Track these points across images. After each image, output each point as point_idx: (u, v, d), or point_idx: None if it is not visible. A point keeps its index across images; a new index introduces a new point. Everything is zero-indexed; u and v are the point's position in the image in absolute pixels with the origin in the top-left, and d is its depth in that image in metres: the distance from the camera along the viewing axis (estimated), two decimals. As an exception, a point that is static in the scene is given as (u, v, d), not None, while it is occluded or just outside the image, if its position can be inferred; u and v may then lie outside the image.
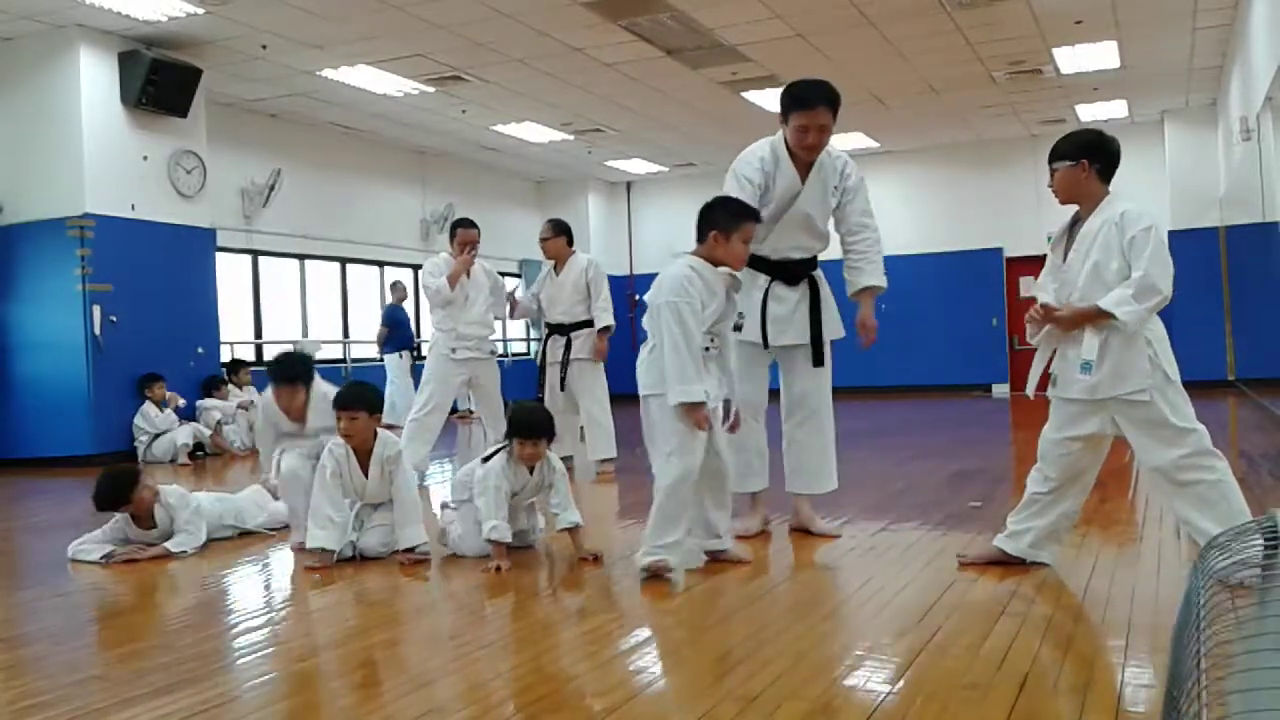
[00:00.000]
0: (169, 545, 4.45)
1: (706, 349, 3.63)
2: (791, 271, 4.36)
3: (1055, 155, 3.44)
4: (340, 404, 4.23)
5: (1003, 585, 3.39)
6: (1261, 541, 1.45)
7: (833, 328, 4.45)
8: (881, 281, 4.43)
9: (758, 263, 4.30)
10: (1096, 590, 3.31)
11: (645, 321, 3.68)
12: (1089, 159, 3.36)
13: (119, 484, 4.48)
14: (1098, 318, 3.27)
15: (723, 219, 3.70)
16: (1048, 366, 3.52)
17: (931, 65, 10.78)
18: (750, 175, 4.23)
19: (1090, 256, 3.33)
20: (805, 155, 4.24)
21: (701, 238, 3.71)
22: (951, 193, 15.15)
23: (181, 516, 4.54)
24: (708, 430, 3.63)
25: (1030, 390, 3.59)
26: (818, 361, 4.38)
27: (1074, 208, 3.49)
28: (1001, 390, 14.78)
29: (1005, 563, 3.58)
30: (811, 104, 4.15)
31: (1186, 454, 3.24)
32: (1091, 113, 13.13)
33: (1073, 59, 10.75)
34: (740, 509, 4.36)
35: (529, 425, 4.08)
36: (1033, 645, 2.72)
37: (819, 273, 4.47)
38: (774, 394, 4.49)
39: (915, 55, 10.39)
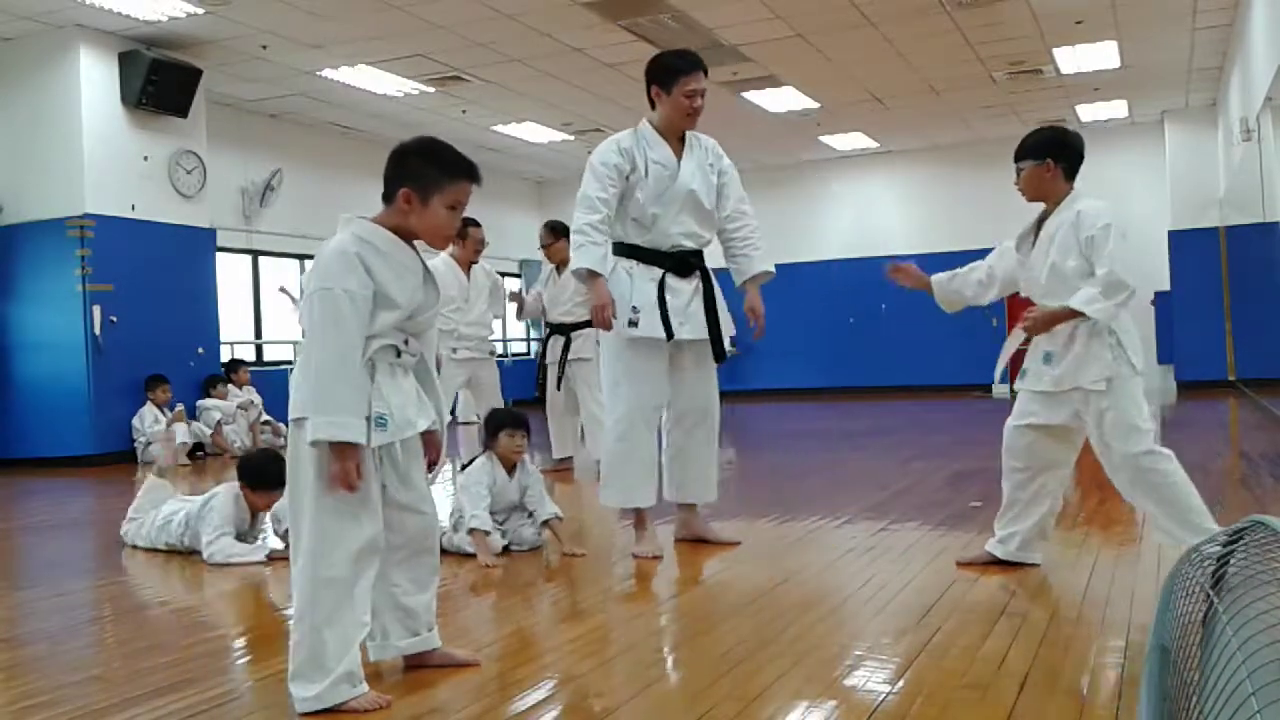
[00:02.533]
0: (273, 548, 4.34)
1: (399, 353, 2.52)
2: (685, 263, 4.11)
3: (1020, 154, 3.45)
4: None
5: (1002, 585, 3.39)
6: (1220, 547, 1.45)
7: (727, 323, 4.20)
8: (771, 267, 4.21)
9: (648, 254, 4.08)
10: (1096, 590, 3.31)
11: (300, 319, 2.66)
12: (1053, 158, 3.39)
13: (272, 471, 4.25)
14: (1069, 317, 3.29)
15: (421, 172, 2.53)
16: (1018, 360, 3.56)
17: (931, 65, 10.79)
18: (607, 160, 3.99)
19: (1049, 256, 3.38)
20: (688, 123, 4.07)
21: (389, 197, 2.55)
22: (951, 193, 15.14)
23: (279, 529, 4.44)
24: (375, 478, 2.47)
25: (996, 379, 3.64)
26: (719, 358, 4.15)
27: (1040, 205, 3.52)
28: (1001, 390, 14.76)
29: (1000, 563, 3.59)
30: (696, 65, 4.03)
31: (1145, 450, 3.28)
32: (1092, 113, 13.14)
33: (1073, 59, 10.75)
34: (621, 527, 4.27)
35: (511, 418, 4.27)
36: (1033, 645, 2.72)
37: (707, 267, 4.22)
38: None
39: (915, 55, 10.39)
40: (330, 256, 2.43)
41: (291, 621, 2.48)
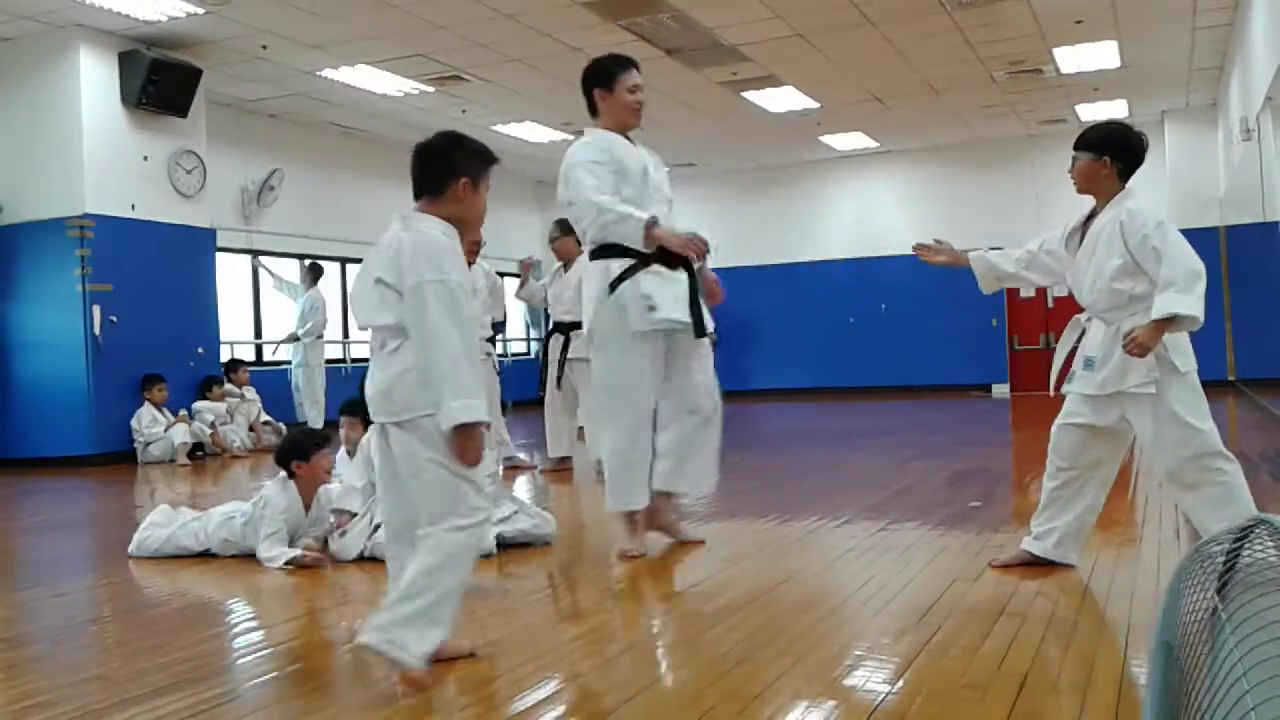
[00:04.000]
0: (340, 550, 4.22)
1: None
2: (669, 253, 4.03)
3: (1080, 144, 3.40)
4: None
5: (1003, 585, 3.39)
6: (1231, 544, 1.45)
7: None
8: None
9: (637, 252, 4.00)
10: (1096, 590, 3.31)
11: (376, 310, 2.62)
12: (1111, 156, 3.34)
13: (305, 439, 4.34)
14: (1165, 327, 3.15)
15: (471, 162, 2.71)
16: (1068, 363, 3.52)
17: (931, 65, 10.78)
18: (598, 158, 4.00)
19: (1094, 255, 3.34)
20: (635, 119, 4.09)
21: (439, 189, 2.68)
22: (951, 193, 15.14)
23: (324, 523, 4.35)
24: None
25: (1053, 390, 3.58)
26: (700, 333, 4.07)
27: (1085, 201, 3.48)
28: (1001, 390, 14.77)
29: (1034, 564, 3.55)
30: (630, 63, 4.09)
31: (1192, 455, 3.21)
32: (1092, 112, 13.13)
33: (1073, 59, 10.75)
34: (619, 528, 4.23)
35: None
36: (1032, 645, 2.72)
37: None
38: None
39: (915, 55, 10.39)
40: (434, 249, 2.55)
41: (416, 576, 2.50)
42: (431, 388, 2.49)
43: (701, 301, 4.10)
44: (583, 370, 6.99)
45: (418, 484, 2.57)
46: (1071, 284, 3.48)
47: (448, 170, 2.67)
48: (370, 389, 2.66)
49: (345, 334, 13.09)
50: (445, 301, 2.50)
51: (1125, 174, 3.38)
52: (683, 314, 4.01)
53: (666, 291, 4.02)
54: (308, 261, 11.62)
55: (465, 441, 2.51)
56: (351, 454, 4.63)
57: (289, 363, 11.64)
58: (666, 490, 4.24)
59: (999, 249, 3.77)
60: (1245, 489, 3.24)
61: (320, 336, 11.41)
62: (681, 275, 4.08)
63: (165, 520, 4.53)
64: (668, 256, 4.04)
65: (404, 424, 2.56)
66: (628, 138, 4.14)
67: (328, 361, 11.77)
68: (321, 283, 11.63)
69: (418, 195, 2.70)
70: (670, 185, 4.23)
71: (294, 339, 11.37)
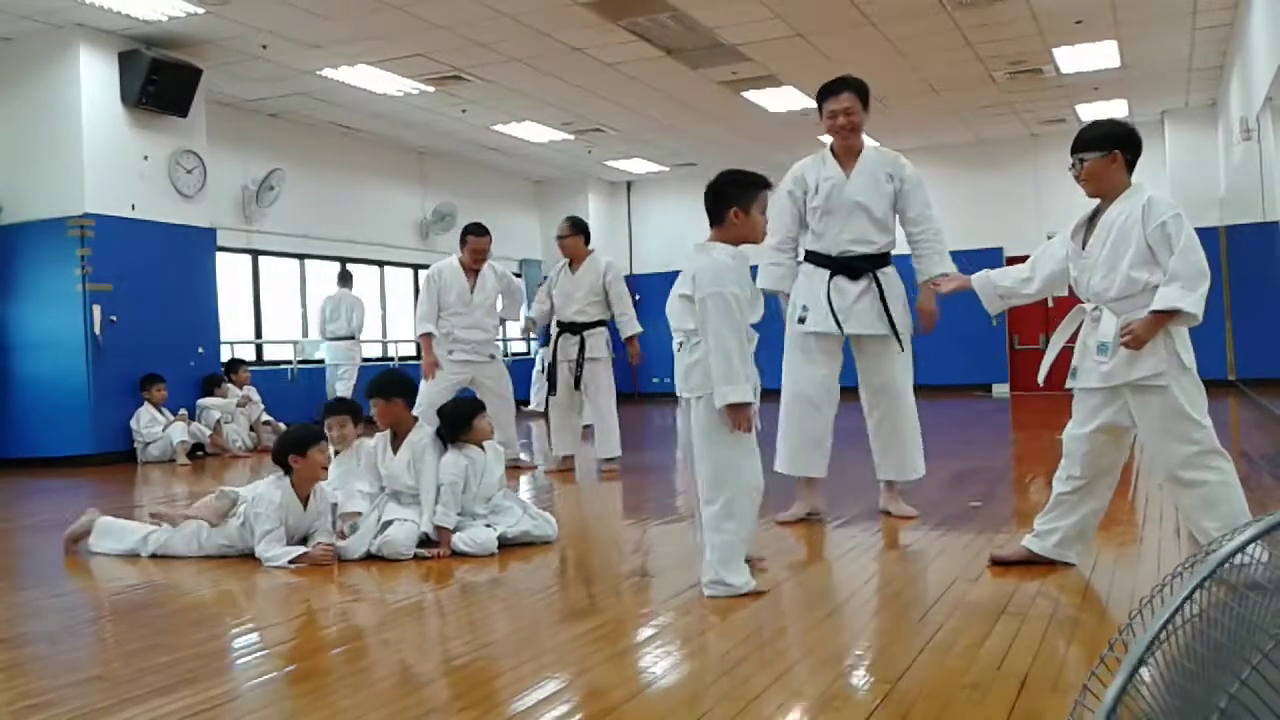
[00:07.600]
0: (345, 547, 4.23)
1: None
2: (852, 266, 4.57)
3: (1084, 145, 3.38)
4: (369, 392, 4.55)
5: (1003, 585, 3.39)
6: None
7: (903, 320, 4.65)
8: (948, 267, 4.57)
9: (818, 258, 4.62)
10: (1096, 590, 3.31)
11: (681, 317, 3.41)
12: (1121, 149, 3.34)
13: (302, 434, 4.35)
14: (1164, 321, 3.18)
15: (737, 194, 3.44)
16: (1061, 358, 3.52)
17: (931, 65, 10.79)
18: (789, 187, 4.68)
19: (1108, 244, 3.32)
20: (840, 140, 4.57)
21: (720, 218, 3.44)
22: (951, 193, 15.08)
23: (327, 519, 4.35)
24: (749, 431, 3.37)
25: (1041, 379, 3.59)
26: (901, 346, 4.66)
27: (1085, 201, 3.48)
28: (1001, 390, 14.76)
29: (1034, 562, 3.55)
30: (835, 90, 4.56)
31: (1196, 451, 3.22)
32: (1092, 112, 13.13)
33: (1073, 59, 10.75)
34: (791, 494, 4.78)
35: (475, 405, 4.62)
36: (1033, 645, 2.72)
37: (890, 269, 4.64)
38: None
39: (915, 55, 10.39)
40: (717, 270, 3.32)
41: (710, 528, 3.31)
42: (711, 374, 3.28)
43: (895, 313, 4.70)
44: (597, 370, 6.92)
45: (705, 444, 3.35)
46: (1077, 274, 3.46)
47: (723, 202, 3.42)
48: (677, 373, 3.44)
49: (302, 332, 13.08)
50: (722, 309, 3.27)
51: (1131, 167, 3.38)
52: (828, 325, 4.59)
53: (839, 300, 4.63)
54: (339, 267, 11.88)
55: (736, 415, 3.29)
56: (337, 453, 4.63)
57: (290, 362, 11.65)
58: (879, 478, 4.96)
59: (998, 250, 3.79)
60: (1239, 488, 3.26)
61: (353, 337, 11.61)
62: (855, 288, 4.63)
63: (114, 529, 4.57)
64: (848, 269, 4.60)
65: (699, 399, 3.34)
66: (857, 154, 4.68)
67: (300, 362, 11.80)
68: (320, 283, 11.64)
69: (710, 225, 3.46)
70: (914, 194, 4.76)
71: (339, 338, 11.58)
